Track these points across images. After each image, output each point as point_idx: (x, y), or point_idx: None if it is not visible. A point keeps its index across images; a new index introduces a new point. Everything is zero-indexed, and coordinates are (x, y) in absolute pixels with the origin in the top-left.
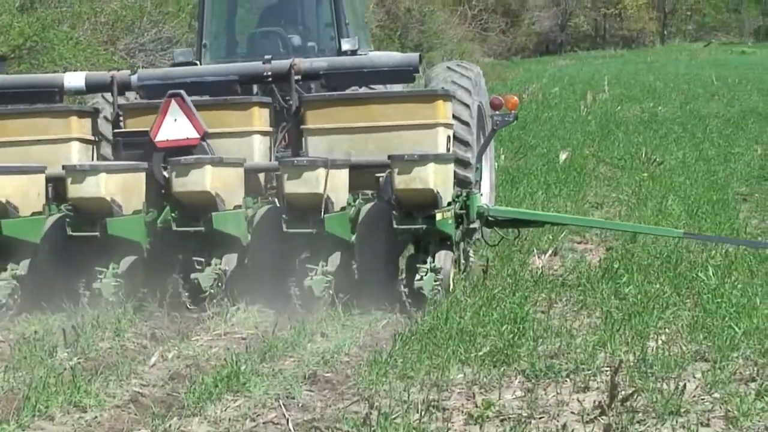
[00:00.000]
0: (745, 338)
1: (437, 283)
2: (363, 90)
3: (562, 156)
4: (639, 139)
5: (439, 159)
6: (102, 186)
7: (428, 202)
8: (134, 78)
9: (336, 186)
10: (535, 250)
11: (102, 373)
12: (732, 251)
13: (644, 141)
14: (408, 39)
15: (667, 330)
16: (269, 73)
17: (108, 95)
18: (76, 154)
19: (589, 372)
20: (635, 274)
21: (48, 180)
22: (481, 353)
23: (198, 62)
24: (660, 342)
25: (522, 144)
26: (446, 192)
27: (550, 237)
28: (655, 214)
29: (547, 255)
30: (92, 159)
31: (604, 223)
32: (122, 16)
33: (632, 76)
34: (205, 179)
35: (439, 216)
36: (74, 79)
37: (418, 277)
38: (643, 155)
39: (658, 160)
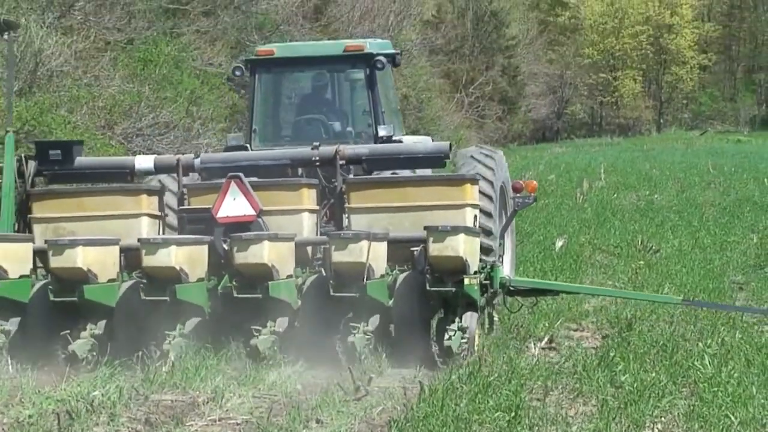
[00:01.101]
0: (741, 428)
1: (464, 341)
2: (400, 173)
3: (559, 243)
4: (635, 227)
5: (468, 231)
6: (172, 257)
7: (458, 268)
8: (197, 161)
9: (376, 257)
10: (531, 338)
11: None
12: (728, 340)
13: (640, 229)
14: (405, 125)
15: (663, 419)
16: (317, 158)
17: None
18: (145, 228)
19: None
20: (631, 362)
21: (121, 250)
22: None
23: (248, 146)
24: (656, 431)
25: (519, 231)
26: (473, 261)
27: (546, 324)
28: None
29: (543, 342)
30: (159, 232)
31: (613, 291)
32: (120, 100)
33: (628, 164)
34: (263, 252)
35: (467, 281)
36: (144, 162)
37: (447, 336)
38: (639, 243)
39: (654, 247)
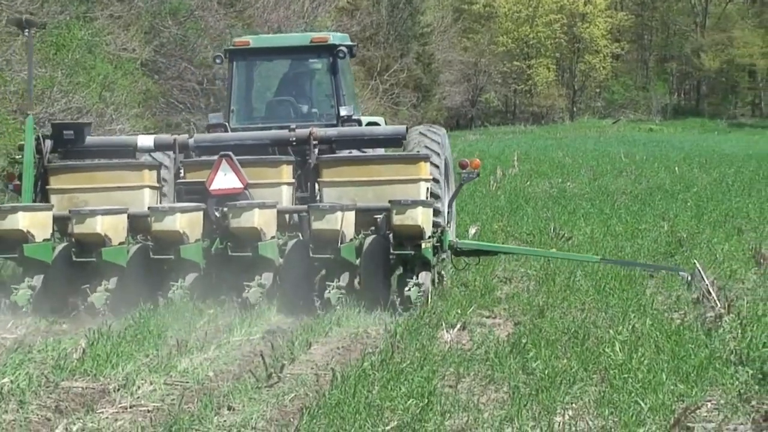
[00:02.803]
0: (651, 414)
1: (420, 294)
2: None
3: (472, 230)
4: (548, 215)
5: (425, 204)
6: (177, 222)
7: (416, 234)
8: (191, 141)
9: (347, 224)
10: (444, 324)
11: None
12: (639, 327)
13: (553, 216)
14: None
15: (574, 405)
16: (294, 139)
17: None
18: (147, 198)
19: None
20: (543, 348)
21: (128, 217)
22: (388, 428)
23: (227, 124)
24: (567, 417)
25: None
26: (428, 228)
27: (459, 311)
28: (563, 289)
29: (456, 329)
30: (157, 201)
31: (540, 251)
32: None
33: (542, 152)
34: (253, 218)
35: (423, 245)
36: (145, 141)
37: (407, 288)
38: (552, 230)
39: (566, 235)
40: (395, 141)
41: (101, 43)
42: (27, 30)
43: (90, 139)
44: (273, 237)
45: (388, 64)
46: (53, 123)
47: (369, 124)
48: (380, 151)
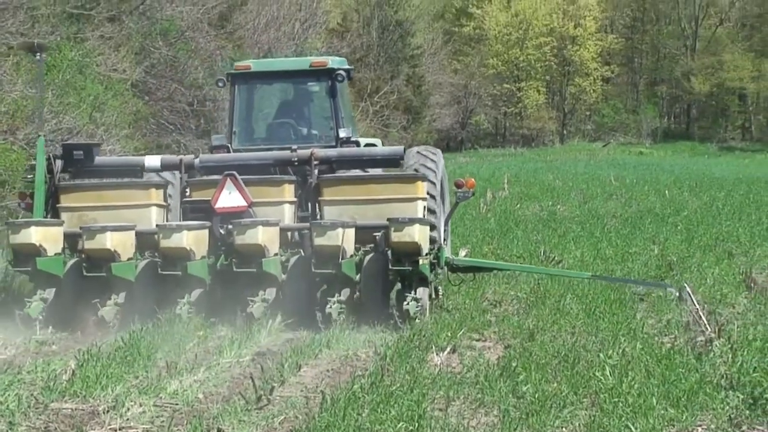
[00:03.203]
0: None
1: (418, 308)
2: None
3: (462, 253)
4: (538, 237)
5: (422, 222)
6: (184, 239)
7: (414, 251)
8: (197, 161)
9: (347, 240)
10: (434, 347)
11: None
12: (629, 351)
13: (543, 239)
14: None
15: (564, 429)
16: (296, 159)
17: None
18: (154, 216)
19: None
20: (533, 372)
21: (135, 234)
22: None
23: (230, 145)
24: None
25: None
26: (425, 245)
27: (449, 334)
28: (553, 313)
29: (446, 352)
30: (164, 219)
31: (533, 268)
32: (22, 105)
33: (532, 175)
34: (258, 235)
35: (420, 261)
36: (152, 161)
37: (405, 303)
38: (542, 253)
39: (556, 258)
40: (393, 161)
41: (92, 64)
42: (38, 54)
43: (99, 159)
44: (276, 254)
45: (378, 86)
46: (63, 144)
47: (367, 145)
48: (378, 171)
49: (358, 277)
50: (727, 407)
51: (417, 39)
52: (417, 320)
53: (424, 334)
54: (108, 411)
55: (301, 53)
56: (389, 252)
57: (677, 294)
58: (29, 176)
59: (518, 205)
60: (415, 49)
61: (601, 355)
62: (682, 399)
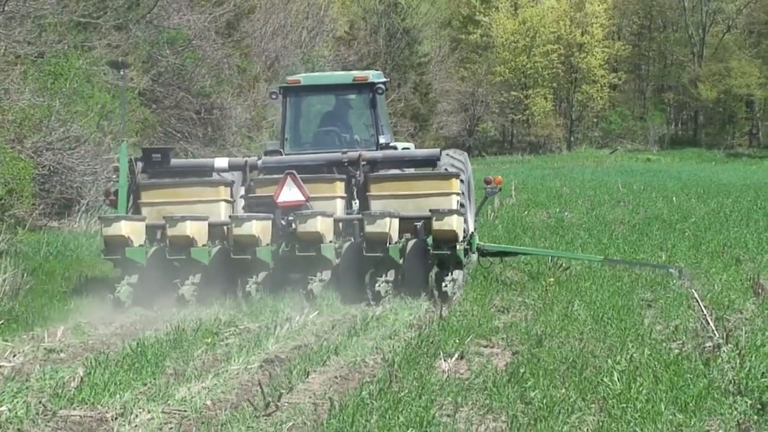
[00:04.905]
0: None
1: (455, 288)
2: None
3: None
4: (545, 244)
5: (458, 213)
6: (253, 228)
7: (452, 238)
8: (260, 162)
9: (393, 229)
10: (442, 353)
11: None
12: (637, 357)
13: (551, 246)
14: None
15: None
16: (346, 161)
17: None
18: (223, 210)
19: None
20: (541, 378)
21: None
22: None
23: (282, 150)
24: None
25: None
26: (461, 233)
27: (457, 340)
28: (561, 319)
29: (454, 358)
30: (232, 212)
31: (551, 252)
32: (30, 114)
33: (539, 182)
34: (317, 224)
35: (457, 247)
36: (221, 162)
37: (444, 284)
38: (550, 260)
39: (564, 265)
40: (431, 162)
41: (99, 72)
42: (122, 70)
43: (174, 161)
44: (331, 241)
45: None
46: (143, 148)
47: (404, 149)
48: (411, 170)
49: (402, 260)
50: (735, 413)
51: (424, 47)
52: (453, 297)
53: (432, 341)
54: (116, 418)
55: (308, 61)
56: (430, 239)
57: (677, 274)
58: (113, 176)
59: (526, 212)
60: (422, 56)
61: (609, 360)
62: (690, 405)
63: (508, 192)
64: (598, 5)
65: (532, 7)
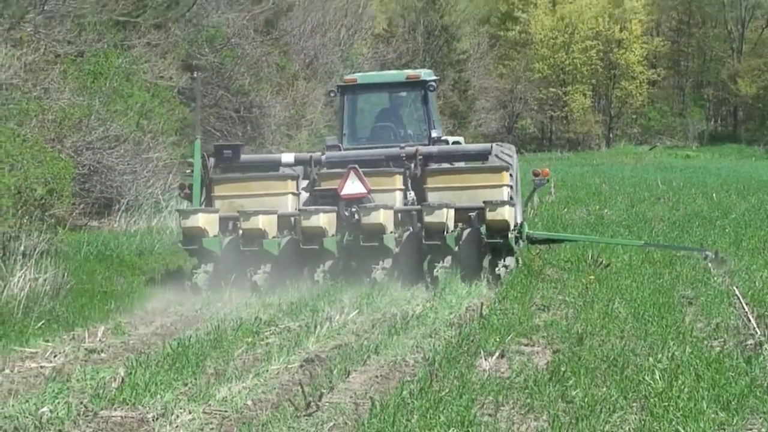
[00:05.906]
0: None
1: (507, 273)
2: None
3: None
4: (585, 242)
5: (509, 204)
6: (321, 220)
7: (504, 227)
8: (323, 157)
9: (449, 218)
10: (482, 352)
11: None
12: (679, 355)
13: (590, 243)
14: None
15: None
16: (404, 155)
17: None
18: (290, 202)
19: None
20: (582, 377)
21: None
22: None
23: (341, 144)
24: None
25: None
26: (512, 222)
27: (497, 339)
28: (601, 317)
29: (494, 357)
30: (298, 205)
31: (594, 238)
32: (70, 114)
33: (578, 179)
34: (380, 216)
35: (509, 235)
36: (287, 158)
37: (497, 269)
38: (590, 258)
39: (604, 262)
40: (483, 156)
41: (138, 71)
42: (195, 72)
43: (244, 157)
44: (392, 231)
45: None
46: (215, 145)
47: (454, 143)
48: (461, 164)
49: (457, 248)
50: None
51: (463, 43)
52: (504, 281)
53: (473, 339)
54: (157, 418)
55: (347, 59)
56: (484, 228)
57: (713, 256)
58: (188, 171)
59: (565, 210)
60: (460, 53)
61: (651, 359)
62: (732, 403)
63: (548, 189)
64: (637, 1)
65: (571, 3)
